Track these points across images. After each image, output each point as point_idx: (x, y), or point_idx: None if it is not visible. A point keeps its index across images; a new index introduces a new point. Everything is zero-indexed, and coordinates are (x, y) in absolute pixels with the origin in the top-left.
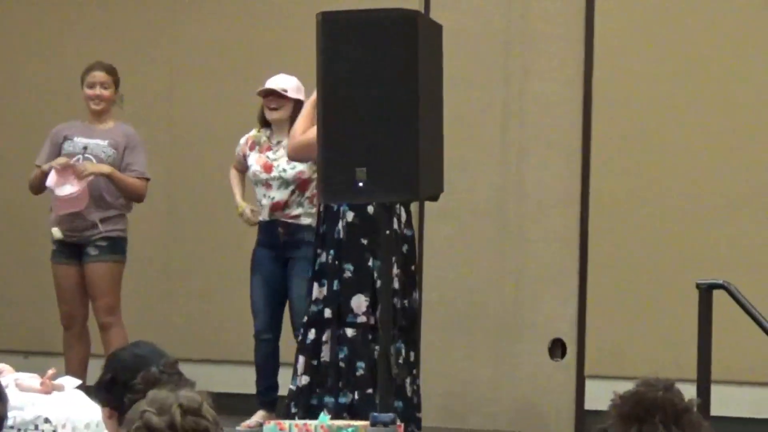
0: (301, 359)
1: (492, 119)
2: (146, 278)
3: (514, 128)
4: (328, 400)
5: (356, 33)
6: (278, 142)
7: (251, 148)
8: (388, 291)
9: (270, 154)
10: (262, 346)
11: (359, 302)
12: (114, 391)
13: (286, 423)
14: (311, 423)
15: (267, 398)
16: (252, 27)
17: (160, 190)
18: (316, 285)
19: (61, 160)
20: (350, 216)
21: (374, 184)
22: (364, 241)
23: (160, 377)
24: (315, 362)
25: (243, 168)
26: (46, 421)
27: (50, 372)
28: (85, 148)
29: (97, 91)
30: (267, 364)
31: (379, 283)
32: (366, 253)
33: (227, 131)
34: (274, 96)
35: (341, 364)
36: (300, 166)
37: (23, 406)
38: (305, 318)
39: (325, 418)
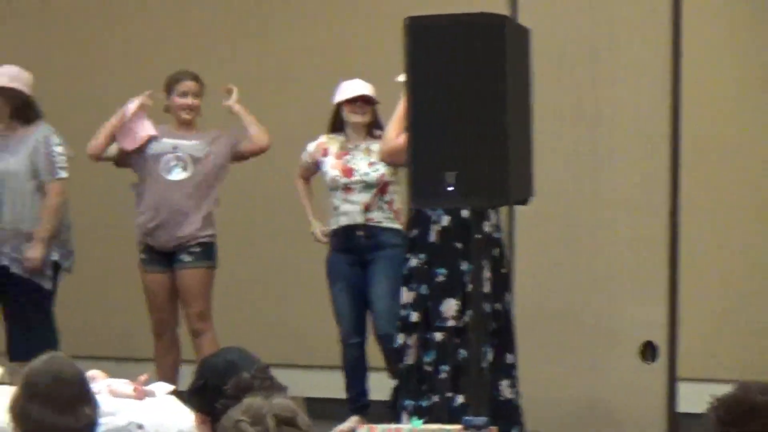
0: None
1: (580, 123)
2: (233, 283)
3: (603, 132)
4: (408, 403)
5: (444, 38)
6: (356, 146)
7: (324, 155)
8: (479, 296)
9: (348, 158)
10: (349, 350)
11: (449, 306)
12: (206, 396)
13: (378, 427)
14: (404, 427)
15: (358, 403)
16: (336, 31)
17: (239, 194)
18: (405, 290)
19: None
20: (446, 220)
21: (464, 189)
22: (458, 245)
23: (251, 382)
24: (400, 366)
25: (310, 175)
26: (139, 427)
27: (142, 378)
28: (174, 147)
29: (189, 100)
30: (356, 369)
31: (470, 287)
32: (459, 258)
33: (306, 136)
34: (362, 101)
35: (427, 367)
36: (382, 169)
37: (116, 412)
38: (397, 323)
39: (418, 422)
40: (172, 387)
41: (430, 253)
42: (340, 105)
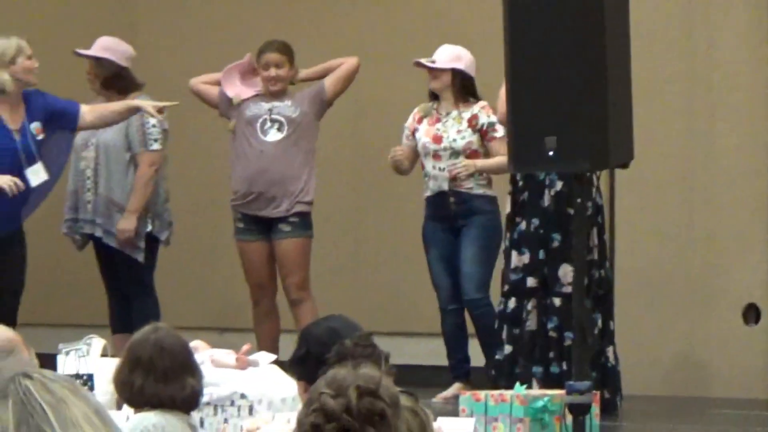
0: (505, 328)
1: (679, 88)
2: (334, 252)
3: (701, 97)
4: (537, 369)
5: (543, 3)
6: (447, 113)
7: (419, 122)
8: (582, 262)
9: (439, 125)
10: (448, 317)
11: (565, 272)
12: (309, 365)
13: (482, 393)
14: (507, 393)
15: (461, 370)
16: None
17: (347, 164)
18: (515, 253)
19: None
20: (559, 185)
21: (564, 153)
22: (571, 211)
23: (354, 350)
24: (517, 331)
25: (414, 157)
26: (242, 396)
27: (245, 348)
28: (270, 109)
29: (272, 72)
30: (457, 336)
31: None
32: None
33: (411, 109)
34: (427, 68)
35: (551, 333)
36: (469, 137)
37: (219, 383)
38: (505, 287)
39: (520, 388)
40: (274, 356)
41: (543, 217)
42: None
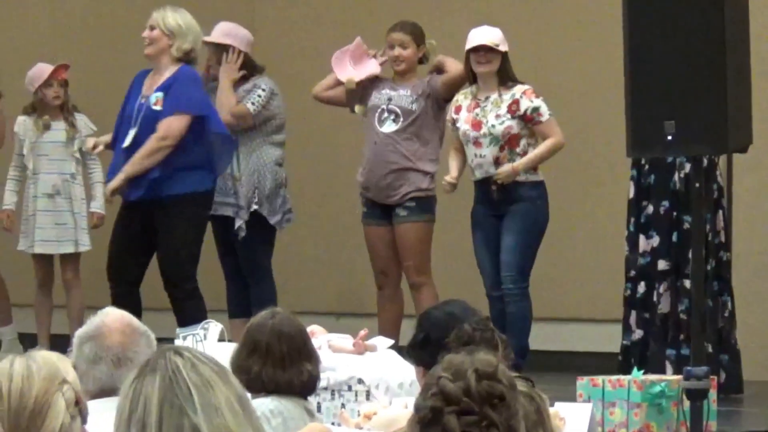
0: (633, 313)
1: None
2: (454, 236)
3: None
4: (670, 352)
5: None
6: (486, 98)
7: (457, 112)
8: (700, 247)
9: (478, 111)
10: (493, 303)
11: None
12: (427, 349)
13: (599, 379)
14: (624, 378)
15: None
16: None
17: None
18: (642, 237)
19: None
20: (688, 167)
21: (683, 137)
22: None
23: (473, 335)
24: (647, 315)
25: (460, 145)
26: (360, 381)
27: (362, 333)
28: (389, 99)
29: (396, 51)
30: (500, 322)
31: (710, 235)
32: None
33: None
34: (484, 50)
35: (682, 316)
36: (508, 122)
37: (336, 367)
38: (632, 272)
39: (638, 373)
40: (392, 341)
41: (674, 199)
42: (468, 54)
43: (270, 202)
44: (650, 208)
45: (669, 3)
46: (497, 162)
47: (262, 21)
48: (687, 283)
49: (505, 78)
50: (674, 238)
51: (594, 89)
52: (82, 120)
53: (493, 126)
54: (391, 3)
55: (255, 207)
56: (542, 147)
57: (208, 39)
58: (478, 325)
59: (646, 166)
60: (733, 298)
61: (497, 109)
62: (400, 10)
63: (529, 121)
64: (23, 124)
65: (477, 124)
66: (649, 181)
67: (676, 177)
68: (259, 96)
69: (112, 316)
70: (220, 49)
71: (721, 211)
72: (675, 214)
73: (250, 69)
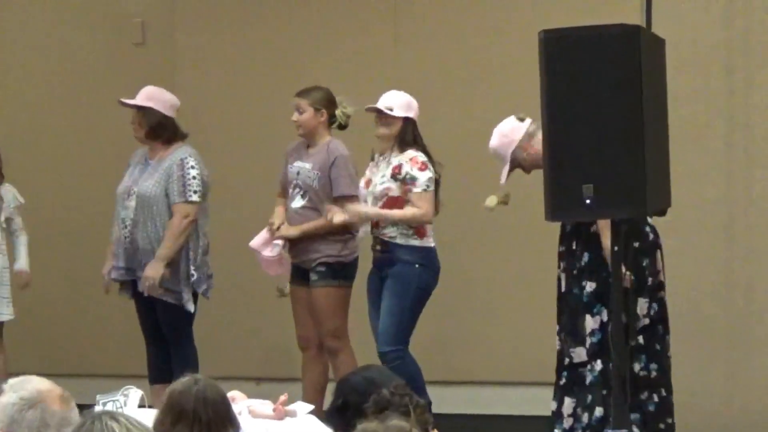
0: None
1: (717, 133)
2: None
3: (740, 141)
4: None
5: (578, 49)
6: (382, 158)
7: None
8: (619, 308)
9: (374, 170)
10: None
11: (641, 305)
12: (346, 415)
13: None
14: None
15: None
16: (473, 46)
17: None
18: (588, 317)
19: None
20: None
21: (602, 201)
22: (636, 244)
23: (391, 399)
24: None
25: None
26: None
27: (282, 398)
28: (297, 173)
29: (294, 116)
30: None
31: (650, 280)
32: (639, 256)
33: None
34: (379, 113)
35: (642, 373)
36: (388, 183)
37: None
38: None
39: None
40: (312, 407)
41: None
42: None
43: (200, 271)
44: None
45: (585, 66)
46: (375, 224)
47: (183, 85)
48: (640, 339)
49: (402, 143)
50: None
51: None
52: (9, 191)
53: (375, 185)
54: (315, 65)
55: (193, 280)
56: (403, 210)
57: (131, 102)
58: (396, 390)
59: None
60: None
61: (384, 170)
62: (322, 73)
63: (405, 186)
64: None
65: (368, 183)
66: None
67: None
68: (194, 179)
69: (44, 383)
70: (144, 112)
71: (658, 251)
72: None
73: (173, 135)
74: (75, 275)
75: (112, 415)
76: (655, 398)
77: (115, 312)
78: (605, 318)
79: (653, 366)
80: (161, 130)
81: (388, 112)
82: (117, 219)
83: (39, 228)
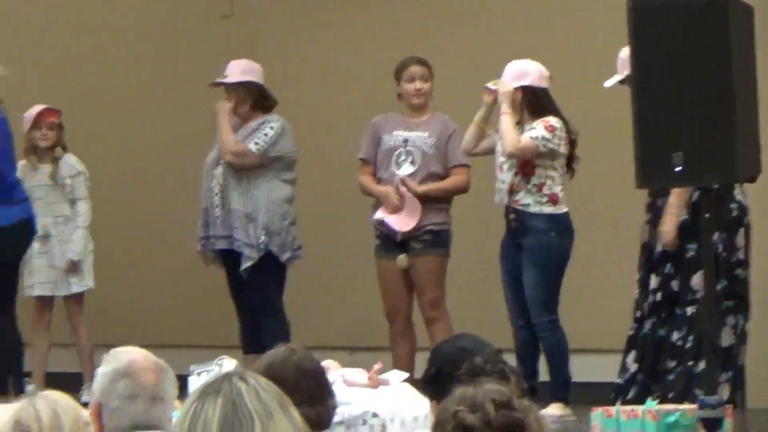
0: (632, 354)
1: None
2: (464, 270)
3: None
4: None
5: (667, 19)
6: (517, 125)
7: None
8: (712, 275)
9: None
10: (519, 332)
11: (700, 279)
12: (440, 383)
13: (613, 409)
14: (638, 408)
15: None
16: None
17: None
18: (653, 276)
19: (390, 197)
20: (695, 195)
21: (692, 168)
22: (707, 216)
23: (484, 367)
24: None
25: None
26: (374, 415)
27: (376, 367)
28: (405, 141)
29: (418, 84)
30: (526, 352)
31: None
32: (708, 229)
33: None
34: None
35: (678, 343)
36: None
37: (350, 402)
38: (638, 312)
39: (652, 403)
40: (406, 375)
41: (680, 231)
42: None
43: (280, 240)
44: (660, 247)
45: (675, 34)
46: (511, 190)
47: (267, 58)
48: (688, 310)
49: (534, 110)
50: (667, 269)
51: (602, 125)
52: (68, 161)
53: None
54: (404, 33)
55: (263, 241)
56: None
57: (231, 80)
58: (489, 358)
59: (658, 202)
60: (747, 317)
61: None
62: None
63: None
64: (21, 167)
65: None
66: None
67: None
68: (266, 135)
69: (140, 354)
70: (244, 87)
71: (742, 229)
72: (679, 243)
73: (272, 102)
74: (168, 245)
75: (241, 376)
76: (679, 369)
77: (210, 282)
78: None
79: (691, 338)
80: (263, 100)
81: (492, 87)
82: (206, 188)
83: (127, 195)
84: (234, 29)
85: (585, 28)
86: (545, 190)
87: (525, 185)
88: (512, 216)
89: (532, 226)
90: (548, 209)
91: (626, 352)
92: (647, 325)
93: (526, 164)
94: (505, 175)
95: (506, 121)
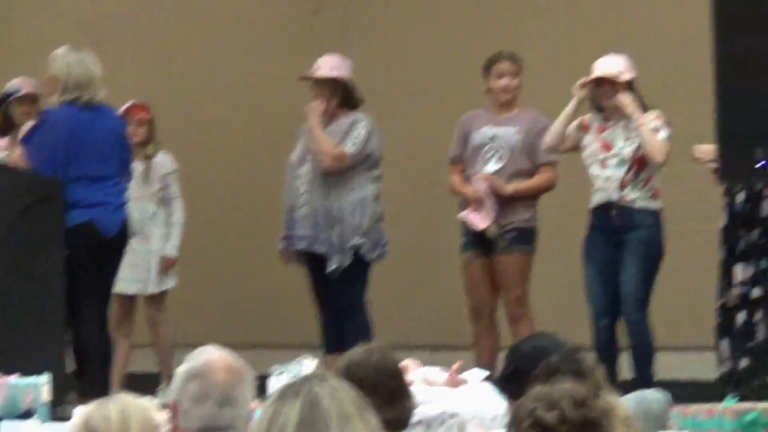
0: (727, 342)
1: None
2: (552, 267)
3: None
4: None
5: (752, 10)
6: (616, 122)
7: (584, 129)
8: None
9: (606, 134)
10: (599, 333)
11: (739, 271)
12: (517, 382)
13: (692, 407)
14: (717, 406)
15: None
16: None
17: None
18: (740, 266)
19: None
20: None
21: None
22: None
23: (560, 366)
24: (751, 344)
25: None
26: (452, 416)
27: (456, 365)
28: (492, 137)
29: (506, 81)
30: (606, 355)
31: None
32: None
33: None
34: (608, 83)
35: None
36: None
37: (429, 401)
38: (722, 300)
39: (731, 401)
40: (486, 373)
41: (763, 227)
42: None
43: (370, 238)
44: (746, 237)
45: (759, 27)
46: (622, 185)
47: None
48: None
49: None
50: (764, 265)
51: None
52: (161, 159)
53: (622, 148)
54: (491, 32)
55: (356, 243)
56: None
57: (324, 75)
58: (566, 356)
59: (740, 194)
60: None
61: (626, 133)
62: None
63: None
64: None
65: (606, 146)
66: (745, 210)
67: (764, 204)
68: (359, 135)
69: (216, 354)
70: (335, 83)
71: None
72: (765, 241)
73: (359, 98)
74: (251, 244)
75: (322, 378)
76: None
77: (290, 281)
78: (750, 273)
79: None
80: (352, 97)
81: (615, 80)
82: (290, 188)
83: (212, 195)
84: (324, 25)
85: (672, 18)
86: (652, 183)
87: (634, 179)
88: (614, 212)
89: (639, 222)
90: (653, 205)
91: (718, 342)
92: (741, 316)
93: (641, 159)
94: (612, 171)
95: (647, 130)
